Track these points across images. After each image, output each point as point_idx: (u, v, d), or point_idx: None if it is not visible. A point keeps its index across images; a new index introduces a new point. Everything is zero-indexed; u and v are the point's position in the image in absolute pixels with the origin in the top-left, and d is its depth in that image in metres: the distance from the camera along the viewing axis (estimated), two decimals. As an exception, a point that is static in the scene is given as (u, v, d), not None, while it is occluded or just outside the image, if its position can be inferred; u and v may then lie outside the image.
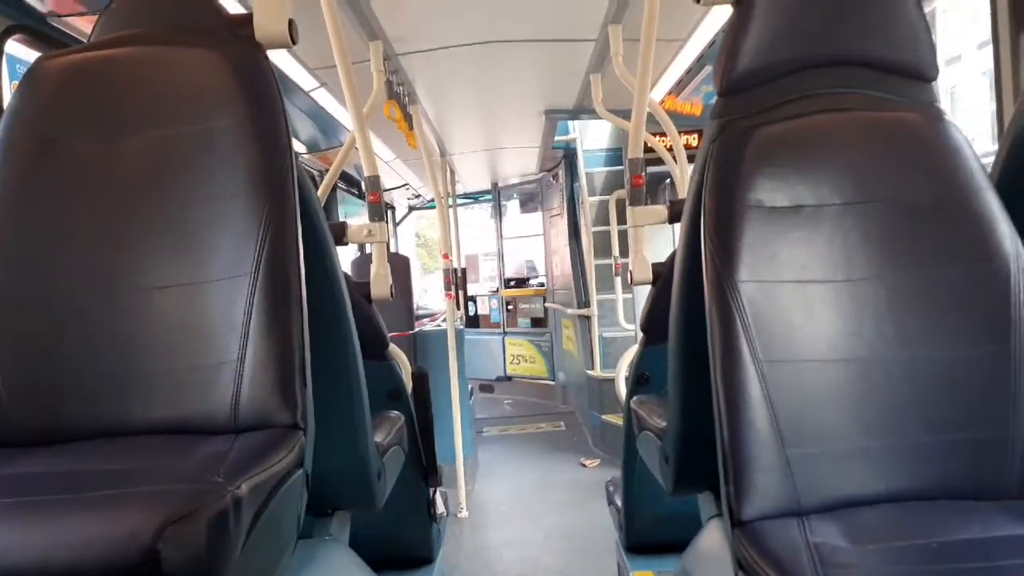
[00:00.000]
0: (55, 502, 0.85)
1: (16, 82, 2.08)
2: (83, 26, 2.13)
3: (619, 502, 2.41)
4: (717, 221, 1.16)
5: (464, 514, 4.05)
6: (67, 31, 2.13)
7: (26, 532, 0.79)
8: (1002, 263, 1.13)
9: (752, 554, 0.99)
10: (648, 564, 2.29)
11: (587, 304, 5.78)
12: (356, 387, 1.45)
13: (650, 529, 2.31)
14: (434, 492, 2.39)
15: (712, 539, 1.37)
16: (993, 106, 1.73)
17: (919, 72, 1.27)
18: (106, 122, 1.20)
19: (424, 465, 2.24)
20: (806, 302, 1.12)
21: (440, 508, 2.44)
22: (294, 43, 1.30)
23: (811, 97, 1.24)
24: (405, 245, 9.47)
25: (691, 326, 1.26)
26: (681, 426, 1.44)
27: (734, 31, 1.27)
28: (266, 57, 1.26)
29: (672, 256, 1.78)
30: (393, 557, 2.30)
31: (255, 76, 1.22)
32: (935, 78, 1.27)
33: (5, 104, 1.86)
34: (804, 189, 1.16)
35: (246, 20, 1.28)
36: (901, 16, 1.25)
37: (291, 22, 1.29)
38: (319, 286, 1.26)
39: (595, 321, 5.62)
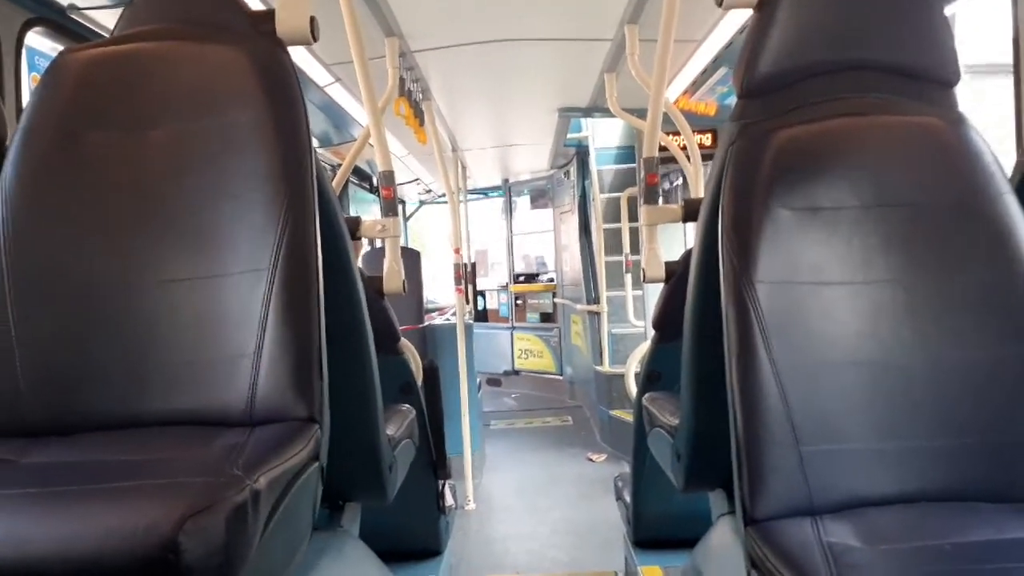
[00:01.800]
0: (74, 492, 0.85)
1: (35, 74, 2.10)
2: (103, 19, 2.14)
3: (628, 497, 2.41)
4: (735, 221, 1.16)
5: (471, 506, 4.07)
6: (87, 24, 2.14)
7: (46, 522, 0.80)
8: (1021, 267, 1.13)
9: (765, 552, 0.99)
10: (656, 559, 2.29)
11: (597, 300, 5.77)
12: (369, 381, 1.46)
13: (659, 525, 2.32)
14: (443, 485, 2.41)
15: (723, 536, 1.38)
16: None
17: (940, 77, 1.26)
18: (128, 115, 1.21)
19: (434, 458, 2.26)
20: (823, 303, 1.13)
21: (449, 500, 2.45)
22: (315, 40, 1.30)
23: (831, 101, 1.24)
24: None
25: (706, 324, 1.26)
26: (694, 424, 1.45)
27: (755, 34, 1.27)
28: (287, 53, 1.26)
29: (685, 254, 1.79)
30: (402, 549, 2.31)
31: (276, 72, 1.23)
32: (956, 83, 1.26)
33: (25, 95, 1.89)
34: (823, 191, 1.16)
35: (268, 16, 1.28)
36: (923, 20, 1.25)
37: (312, 19, 1.30)
38: (335, 280, 1.27)
39: (605, 317, 5.62)
